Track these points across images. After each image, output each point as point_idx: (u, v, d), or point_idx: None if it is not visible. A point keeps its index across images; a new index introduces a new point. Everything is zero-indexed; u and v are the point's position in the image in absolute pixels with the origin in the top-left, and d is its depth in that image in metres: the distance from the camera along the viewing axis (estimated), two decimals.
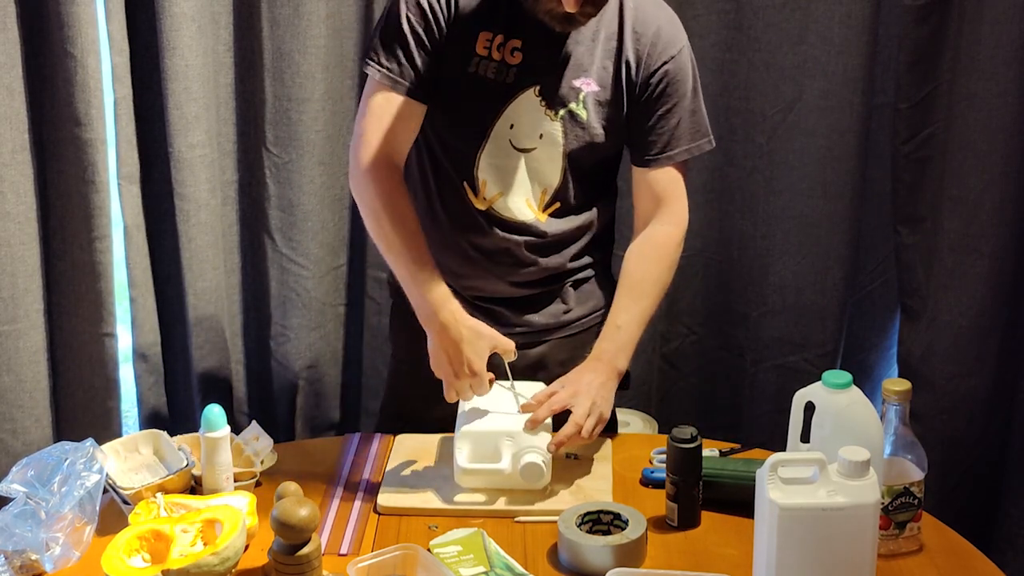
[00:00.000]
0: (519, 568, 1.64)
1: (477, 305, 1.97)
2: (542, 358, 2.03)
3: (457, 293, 1.89)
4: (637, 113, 1.92)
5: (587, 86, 1.89)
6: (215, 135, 2.43)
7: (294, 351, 2.60)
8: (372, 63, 1.86)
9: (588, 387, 1.85)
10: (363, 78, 1.95)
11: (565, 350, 2.03)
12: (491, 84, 1.86)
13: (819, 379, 1.64)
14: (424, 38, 1.84)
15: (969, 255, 2.33)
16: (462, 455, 1.81)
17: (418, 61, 1.84)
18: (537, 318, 2.01)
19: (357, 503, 1.81)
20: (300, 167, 2.49)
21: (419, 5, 1.84)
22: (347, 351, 2.66)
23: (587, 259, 2.03)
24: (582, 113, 1.90)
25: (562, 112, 1.89)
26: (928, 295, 2.40)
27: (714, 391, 2.73)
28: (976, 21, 2.24)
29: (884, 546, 1.65)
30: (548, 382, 1.92)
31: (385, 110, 1.86)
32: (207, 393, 2.49)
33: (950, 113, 2.32)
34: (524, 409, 1.85)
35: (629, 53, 1.89)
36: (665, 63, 1.89)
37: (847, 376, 1.62)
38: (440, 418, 1.93)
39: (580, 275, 2.03)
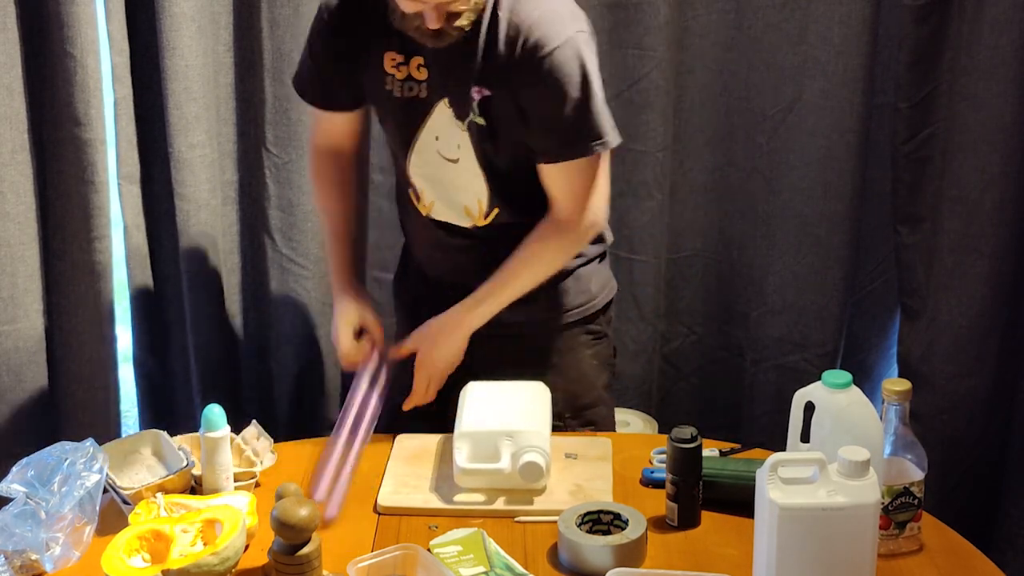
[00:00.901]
0: (519, 568, 1.64)
1: (455, 292, 2.03)
2: (517, 341, 2.06)
3: (439, 282, 2.08)
4: (521, 111, 1.87)
5: (479, 93, 1.88)
6: (215, 135, 2.43)
7: (294, 351, 2.60)
8: (295, 84, 2.12)
9: (430, 340, 2.02)
10: None
11: (545, 341, 2.09)
12: (407, 100, 1.93)
13: (819, 379, 1.64)
14: (324, 68, 2.02)
15: (969, 255, 2.33)
16: (461, 455, 1.81)
17: (316, 83, 2.05)
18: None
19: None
20: (300, 167, 2.49)
21: (316, 38, 2.01)
22: None
23: None
24: (479, 121, 1.90)
25: (467, 121, 1.91)
26: (928, 295, 2.40)
27: (714, 391, 2.73)
28: (976, 21, 2.24)
29: (884, 546, 1.65)
30: (532, 377, 2.00)
31: (312, 120, 2.16)
32: (207, 393, 2.49)
33: (950, 113, 2.32)
34: (406, 408, 2.03)
35: (503, 53, 1.84)
36: (541, 59, 1.81)
37: (847, 376, 1.62)
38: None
39: None
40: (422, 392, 2.02)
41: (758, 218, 2.57)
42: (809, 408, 1.65)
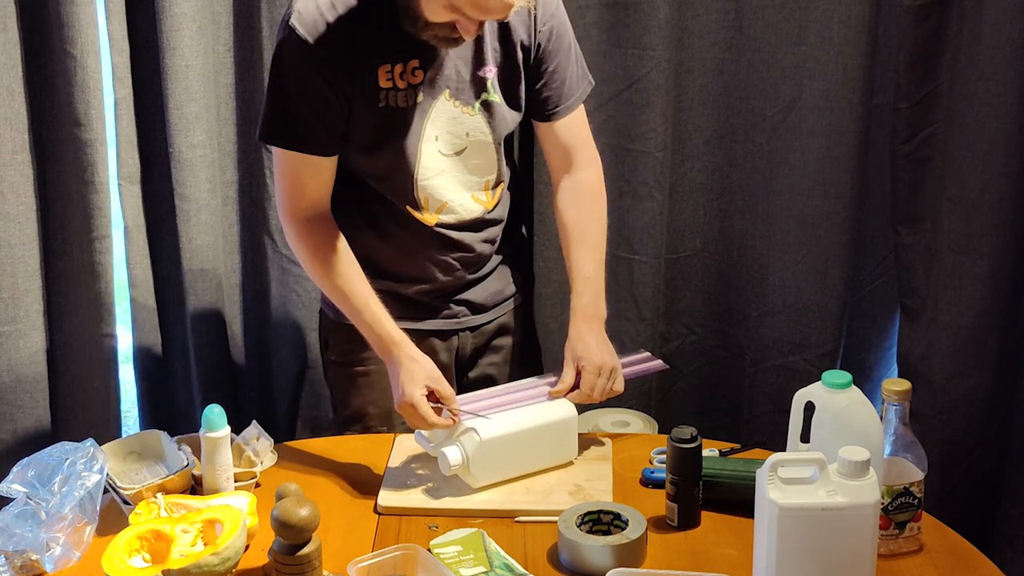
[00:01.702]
0: (519, 568, 1.64)
1: (447, 303, 2.05)
2: (498, 331, 2.12)
3: (429, 296, 2.03)
4: (532, 75, 1.97)
5: (489, 72, 1.93)
6: (215, 135, 2.43)
7: (294, 351, 2.60)
8: (271, 140, 1.90)
9: (602, 354, 1.94)
10: None
11: (516, 321, 2.14)
12: (405, 111, 1.90)
13: (819, 379, 1.64)
14: (319, 105, 1.84)
15: (969, 255, 2.33)
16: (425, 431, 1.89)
17: (321, 127, 1.86)
18: (486, 295, 2.08)
19: None
20: None
21: (306, 73, 1.83)
22: None
23: (517, 232, 2.15)
24: (495, 98, 1.94)
25: (477, 104, 1.93)
26: (928, 295, 2.40)
27: (714, 391, 2.73)
28: (976, 21, 2.24)
29: (884, 546, 1.65)
30: (508, 356, 2.08)
31: (295, 170, 1.90)
32: (207, 393, 2.50)
33: (950, 113, 2.32)
34: (553, 395, 1.93)
35: (519, 29, 1.93)
36: (547, 22, 1.94)
37: (847, 376, 1.62)
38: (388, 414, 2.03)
39: (514, 249, 2.14)
40: (604, 388, 1.95)
41: (758, 218, 2.57)
42: (809, 408, 1.65)
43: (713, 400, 2.74)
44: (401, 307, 1.99)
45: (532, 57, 1.95)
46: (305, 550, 1.56)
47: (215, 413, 1.77)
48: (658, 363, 2.07)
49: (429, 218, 1.97)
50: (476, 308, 2.08)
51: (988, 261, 2.32)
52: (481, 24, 1.80)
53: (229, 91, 2.45)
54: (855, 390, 1.62)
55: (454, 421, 1.84)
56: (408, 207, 1.96)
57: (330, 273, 1.91)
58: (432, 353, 1.99)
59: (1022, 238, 2.32)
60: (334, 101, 1.85)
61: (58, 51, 2.20)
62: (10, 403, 2.31)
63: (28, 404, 2.32)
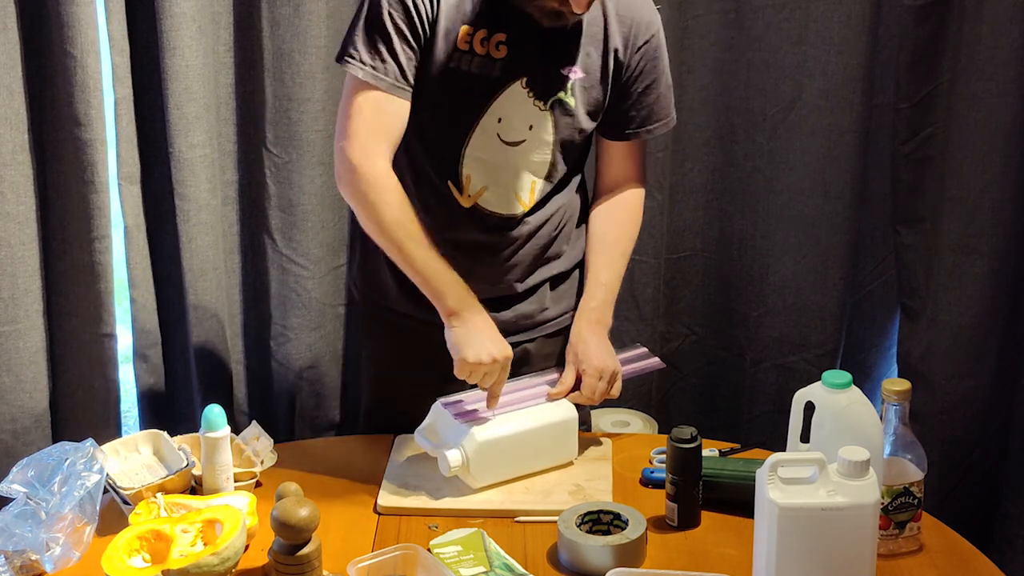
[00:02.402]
0: (519, 568, 1.64)
1: None
2: (523, 355, 2.04)
3: None
4: (619, 91, 1.96)
5: (573, 74, 1.91)
6: (215, 135, 2.43)
7: (294, 351, 2.60)
8: (353, 61, 1.82)
9: (603, 357, 1.94)
10: None
11: (547, 347, 2.07)
12: (475, 79, 1.86)
13: (819, 379, 1.64)
14: (407, 33, 1.81)
15: (969, 255, 2.33)
16: (423, 427, 1.89)
17: (402, 58, 1.81)
18: (512, 316, 2.02)
19: None
20: (300, 167, 2.49)
21: (401, 7, 1.81)
22: (347, 351, 2.66)
23: (562, 256, 2.05)
24: (570, 101, 1.92)
25: (550, 101, 1.91)
26: (928, 295, 2.40)
27: (714, 391, 2.73)
28: (976, 21, 2.24)
29: (884, 546, 1.65)
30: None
31: (372, 108, 1.83)
32: (207, 393, 2.49)
33: (950, 113, 2.32)
34: (553, 396, 1.92)
35: (616, 37, 1.91)
36: (647, 42, 1.94)
37: (847, 376, 1.62)
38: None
39: (556, 272, 2.05)
40: (603, 392, 1.94)
41: (758, 218, 2.57)
42: (809, 408, 1.65)
43: (713, 400, 2.74)
44: (417, 307, 1.94)
45: (625, 73, 1.94)
46: (305, 550, 1.56)
47: (215, 413, 1.77)
48: (655, 361, 2.07)
49: (466, 199, 1.93)
50: (500, 327, 1.96)
51: (988, 261, 2.32)
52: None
53: (229, 91, 2.45)
54: (855, 390, 1.63)
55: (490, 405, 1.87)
56: (449, 182, 1.92)
57: (396, 222, 1.83)
58: (451, 366, 1.95)
59: (1022, 238, 2.32)
60: (409, 41, 1.81)
61: (58, 51, 2.20)
62: (10, 403, 2.31)
63: (28, 404, 2.32)
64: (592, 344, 1.95)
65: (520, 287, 2.01)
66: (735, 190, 2.59)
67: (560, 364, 2.01)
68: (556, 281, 2.06)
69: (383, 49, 1.81)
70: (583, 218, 2.08)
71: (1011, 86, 2.24)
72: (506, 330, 1.95)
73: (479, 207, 1.94)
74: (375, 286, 2.06)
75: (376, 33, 1.81)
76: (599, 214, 2.05)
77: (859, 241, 2.54)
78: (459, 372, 1.85)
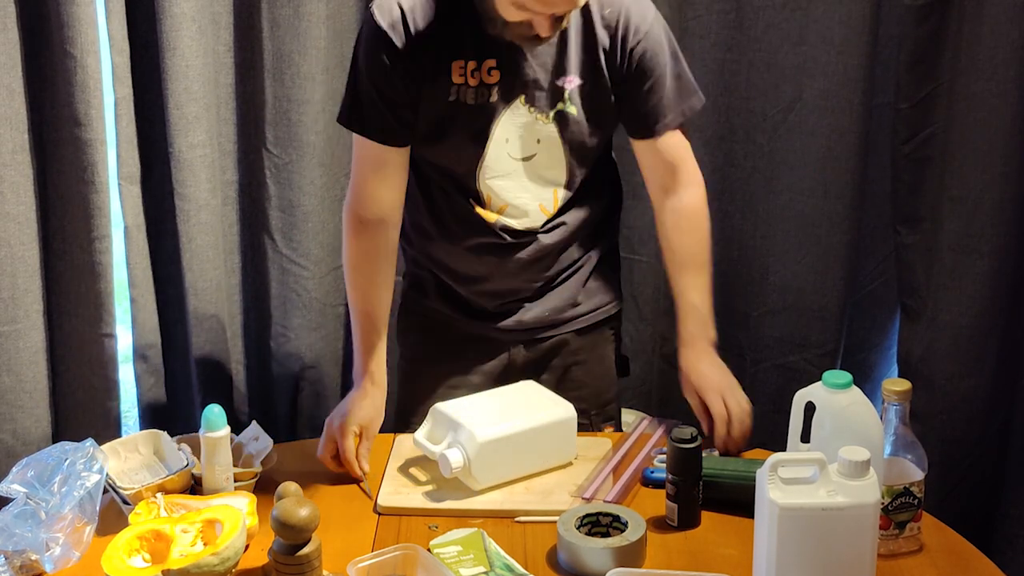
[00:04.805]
0: (519, 568, 1.64)
1: (493, 305, 2.06)
2: (553, 350, 2.10)
3: (472, 295, 2.05)
4: (624, 93, 1.95)
5: (570, 83, 1.91)
6: (215, 135, 2.43)
7: (294, 351, 2.60)
8: (346, 120, 1.94)
9: (718, 377, 1.98)
10: None
11: (577, 342, 2.10)
12: (475, 108, 1.90)
13: (819, 379, 1.64)
14: (389, 93, 1.87)
15: (969, 255, 2.33)
16: (422, 430, 1.90)
17: (389, 114, 1.89)
18: (546, 312, 2.07)
19: None
20: (300, 168, 2.49)
21: (378, 61, 1.86)
22: (347, 351, 2.66)
23: (593, 251, 2.09)
24: (572, 110, 1.93)
25: (552, 113, 1.92)
26: (928, 295, 2.40)
27: None
28: (976, 21, 2.24)
29: (884, 546, 1.65)
30: (561, 374, 2.09)
31: (372, 161, 1.93)
32: (207, 393, 2.50)
33: (950, 113, 2.32)
34: (720, 446, 1.94)
35: (603, 40, 1.91)
36: (639, 41, 1.92)
37: (847, 376, 1.62)
38: None
39: (586, 267, 2.08)
40: (740, 421, 1.96)
41: (758, 218, 2.57)
42: (809, 408, 1.65)
43: None
44: (453, 306, 2.07)
45: (622, 74, 1.93)
46: (305, 550, 1.56)
47: (215, 413, 1.77)
48: (650, 420, 2.08)
49: (491, 214, 1.98)
50: (529, 322, 2.07)
51: (988, 261, 2.32)
52: (554, 20, 1.79)
53: (229, 91, 2.45)
54: (855, 390, 1.62)
55: (361, 474, 1.90)
56: (471, 199, 1.97)
57: (360, 290, 1.97)
58: (478, 361, 2.07)
59: (1022, 238, 2.32)
60: (402, 90, 1.87)
61: (58, 51, 2.20)
62: (10, 403, 2.31)
63: (28, 404, 2.32)
64: (703, 367, 1.98)
65: (553, 284, 2.06)
66: (735, 190, 2.58)
67: (595, 360, 2.11)
68: (587, 276, 2.09)
69: (372, 110, 1.89)
70: (613, 212, 2.13)
71: (1011, 86, 2.24)
72: (534, 327, 2.06)
73: (503, 220, 1.98)
74: (417, 286, 2.14)
75: (362, 96, 1.90)
76: (666, 227, 2.04)
77: (859, 241, 2.54)
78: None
